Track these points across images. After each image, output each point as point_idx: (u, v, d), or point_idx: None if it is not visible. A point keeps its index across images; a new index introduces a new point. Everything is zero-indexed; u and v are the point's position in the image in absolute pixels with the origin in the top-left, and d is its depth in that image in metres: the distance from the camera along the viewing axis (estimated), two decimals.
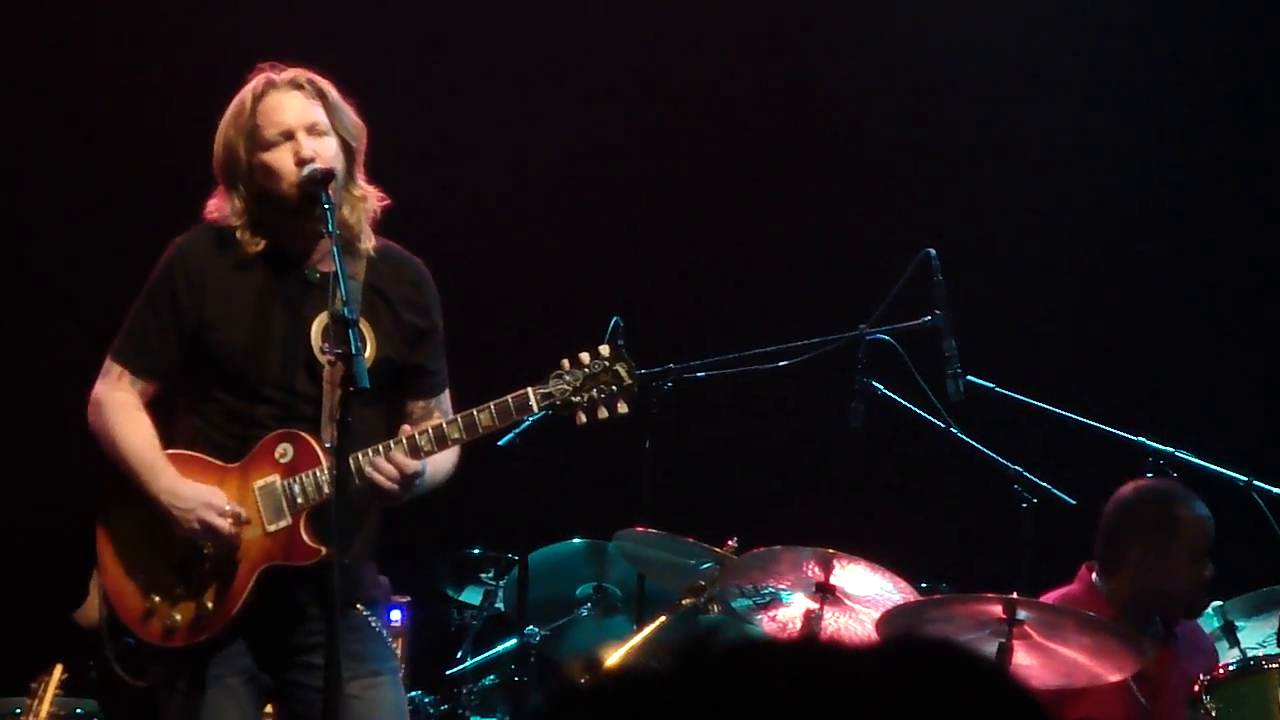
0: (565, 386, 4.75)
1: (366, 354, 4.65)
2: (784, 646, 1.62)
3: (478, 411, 4.71)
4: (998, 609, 5.44)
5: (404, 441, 4.67)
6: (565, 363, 4.78)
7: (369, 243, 4.83)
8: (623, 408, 4.80)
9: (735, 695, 1.52)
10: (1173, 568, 5.97)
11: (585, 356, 4.79)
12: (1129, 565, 5.96)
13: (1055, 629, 5.47)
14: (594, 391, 4.76)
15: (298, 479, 4.68)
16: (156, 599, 4.70)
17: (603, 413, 4.77)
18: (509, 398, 4.72)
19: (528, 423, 6.74)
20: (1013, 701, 1.60)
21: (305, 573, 4.69)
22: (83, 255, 8.04)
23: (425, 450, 4.68)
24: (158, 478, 4.69)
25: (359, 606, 4.80)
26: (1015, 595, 5.48)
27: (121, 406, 4.76)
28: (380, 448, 4.65)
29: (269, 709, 5.03)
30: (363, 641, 4.78)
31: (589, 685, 1.58)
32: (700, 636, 1.57)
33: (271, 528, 4.69)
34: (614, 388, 4.78)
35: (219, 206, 4.79)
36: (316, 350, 4.72)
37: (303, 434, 4.70)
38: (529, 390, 4.73)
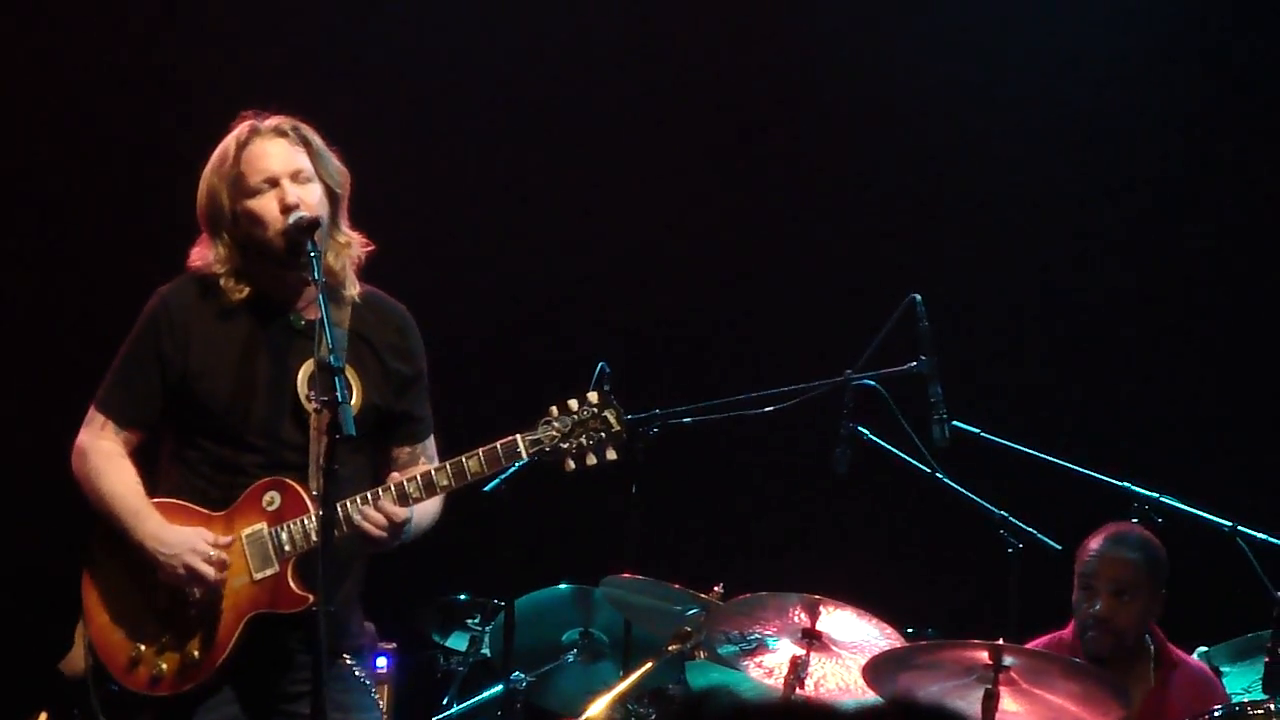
0: (554, 433, 4.75)
1: (353, 401, 4.64)
2: (776, 711, 1.63)
3: (466, 459, 4.70)
4: (984, 655, 5.44)
5: (392, 489, 4.67)
6: (554, 409, 4.78)
7: (354, 289, 4.83)
8: (611, 454, 4.80)
9: None
10: (1075, 602, 6.03)
11: (574, 403, 4.79)
12: None
13: (1041, 675, 5.47)
14: (583, 438, 4.76)
15: (285, 527, 4.68)
16: (142, 648, 4.69)
17: (591, 459, 4.78)
18: (498, 444, 4.72)
19: (514, 468, 6.76)
20: None
21: (292, 620, 4.68)
22: (67, 301, 8.04)
23: (414, 498, 4.68)
24: (143, 524, 4.68)
25: (344, 656, 4.80)
26: (1001, 641, 5.48)
27: (106, 455, 4.76)
28: (369, 495, 4.65)
29: None
30: (346, 692, 4.77)
31: None
32: (693, 703, 1.58)
33: (259, 576, 4.69)
34: (602, 434, 4.78)
35: (202, 255, 4.79)
36: (303, 398, 4.71)
37: (290, 482, 4.70)
38: (518, 437, 4.73)
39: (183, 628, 4.68)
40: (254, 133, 4.75)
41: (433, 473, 4.70)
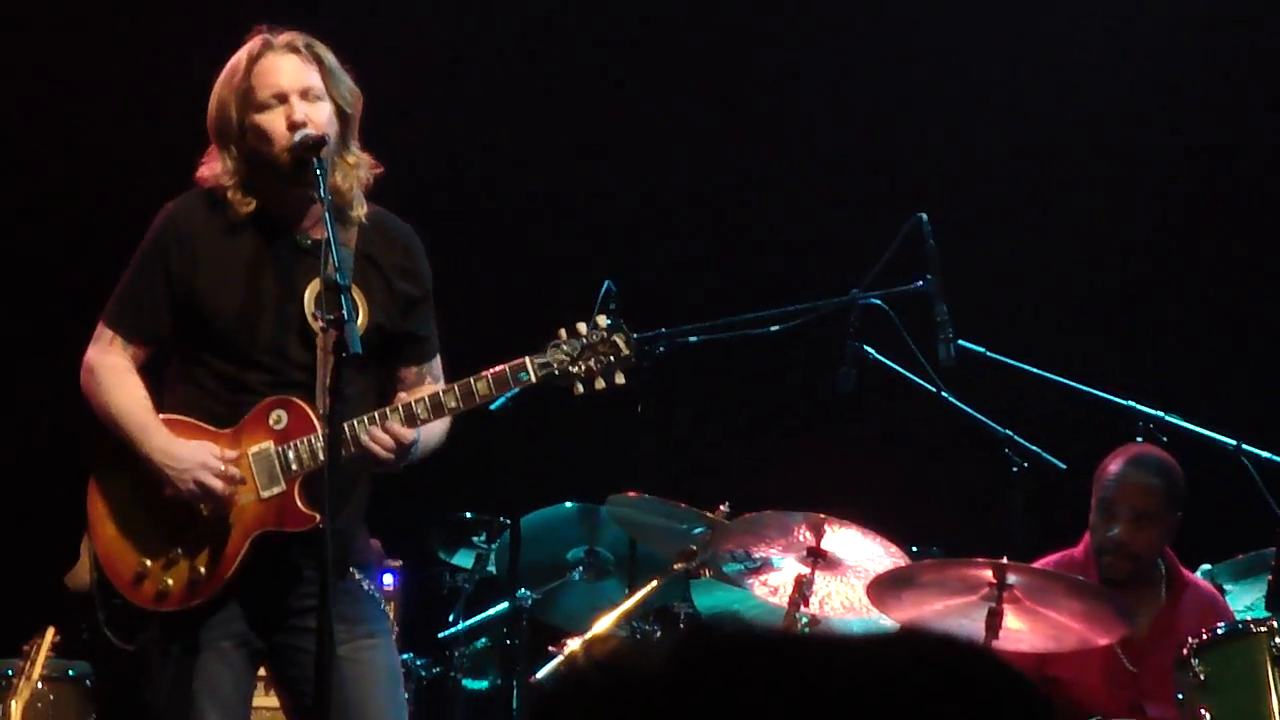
0: (563, 356, 4.74)
1: (359, 321, 4.63)
2: (784, 640, 1.63)
3: (474, 381, 4.70)
4: (988, 573, 5.46)
5: (400, 410, 4.67)
6: (562, 332, 4.77)
7: (360, 209, 4.80)
8: (620, 379, 4.80)
9: (736, 699, 1.53)
10: (1092, 524, 6.01)
11: (582, 327, 4.78)
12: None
13: (1045, 594, 5.49)
14: (591, 362, 4.75)
15: (292, 445, 4.68)
16: (148, 563, 4.70)
17: (600, 384, 4.77)
18: (506, 367, 4.71)
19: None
20: (1019, 695, 1.60)
21: (299, 538, 4.69)
22: (75, 215, 8.04)
23: (421, 418, 4.68)
24: (151, 438, 4.68)
25: (351, 570, 4.81)
26: (1005, 560, 5.50)
27: (113, 370, 4.76)
28: (376, 416, 4.65)
29: (261, 671, 5.04)
30: (356, 604, 4.79)
31: (588, 685, 1.58)
32: (697, 629, 1.59)
33: (266, 494, 4.69)
34: (611, 358, 4.77)
35: (210, 168, 4.78)
36: (309, 317, 4.71)
37: (297, 400, 4.70)
38: (527, 360, 4.73)
39: (189, 544, 4.69)
40: (266, 47, 4.72)
41: (441, 394, 4.70)
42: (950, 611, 5.56)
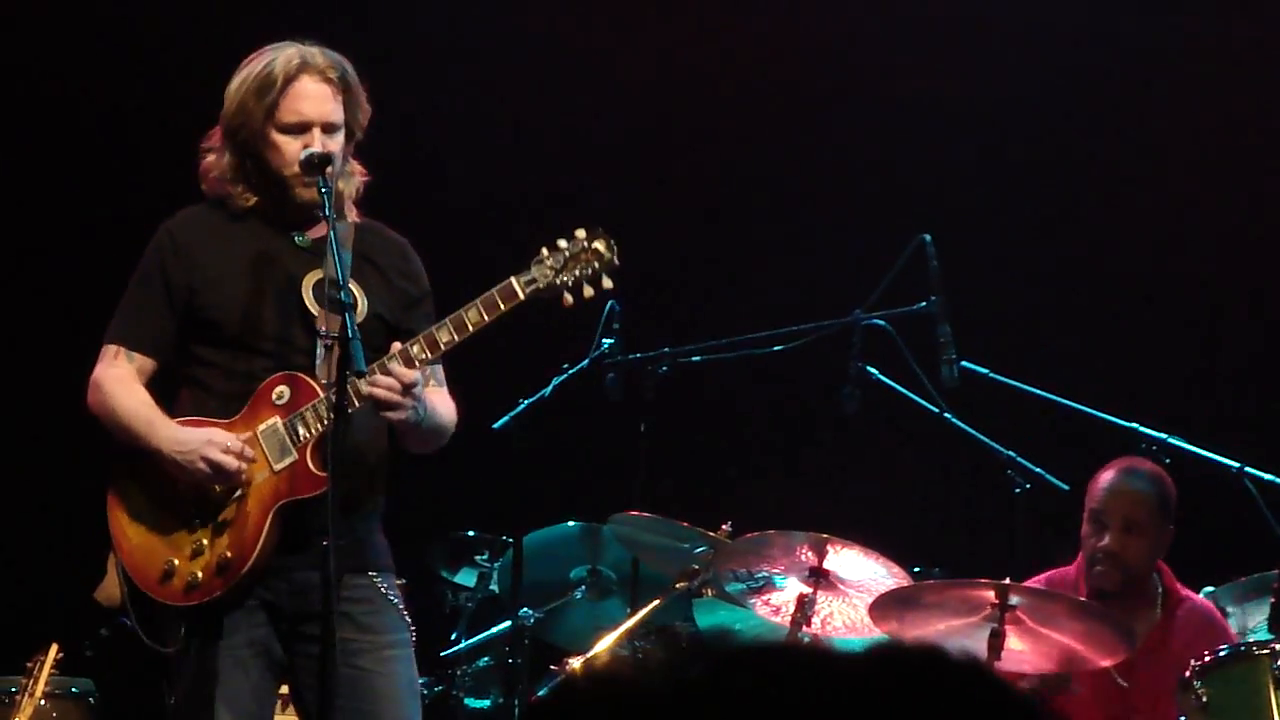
0: (548, 270, 4.79)
1: (358, 310, 4.70)
2: (776, 656, 1.64)
3: (465, 310, 4.73)
4: (990, 594, 5.46)
5: (397, 355, 4.69)
6: (543, 250, 4.82)
7: (351, 215, 4.90)
8: (607, 283, 4.86)
9: (732, 712, 1.53)
10: (1083, 536, 6.02)
11: (562, 242, 4.84)
12: None
13: (1047, 615, 5.49)
14: (576, 271, 4.81)
15: (299, 415, 4.70)
16: (175, 560, 4.69)
17: (588, 290, 4.82)
18: (494, 290, 4.75)
19: (524, 405, 6.78)
20: (1008, 708, 1.61)
21: (320, 515, 4.63)
22: (86, 240, 8.06)
23: (419, 359, 4.70)
24: (158, 431, 4.71)
25: (370, 574, 4.81)
26: (1008, 581, 5.50)
27: (118, 379, 4.79)
28: (374, 366, 4.67)
29: (284, 689, 5.05)
30: (375, 613, 4.79)
31: (581, 694, 1.59)
32: (691, 648, 1.60)
33: (279, 466, 4.71)
34: (595, 264, 4.83)
35: (217, 162, 4.84)
36: (309, 303, 4.75)
37: (296, 373, 4.73)
38: (512, 279, 4.77)
39: (212, 532, 4.70)
40: (303, 70, 4.77)
41: (434, 330, 4.73)
42: (952, 632, 5.56)
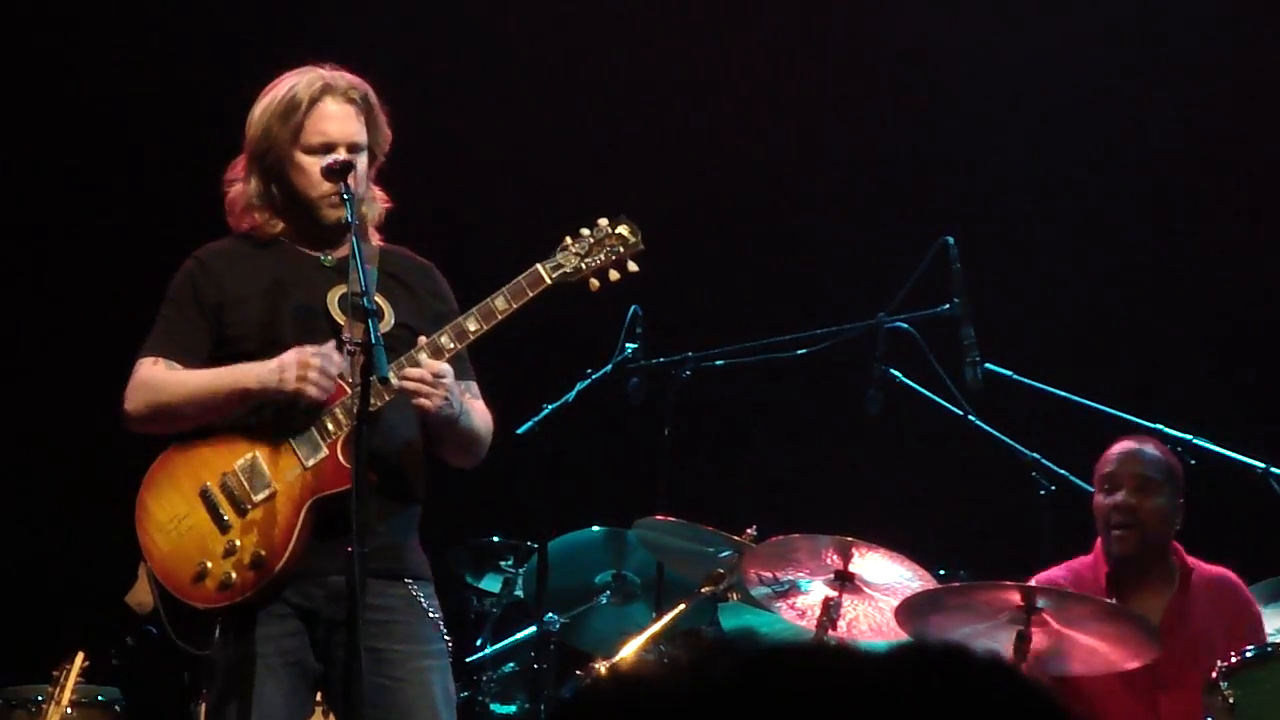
0: (573, 256, 4.81)
1: (385, 320, 4.72)
2: (800, 655, 1.63)
3: (492, 299, 4.75)
4: (1016, 596, 5.45)
5: (425, 347, 4.70)
6: (567, 238, 4.86)
7: (375, 239, 4.94)
8: (633, 266, 4.91)
9: (751, 712, 1.53)
10: (1097, 504, 6.05)
11: (585, 230, 4.88)
12: None
13: (1073, 617, 5.49)
14: (601, 255, 4.85)
15: (328, 411, 4.71)
16: (208, 562, 4.69)
17: (614, 275, 4.85)
18: (520, 278, 4.77)
19: (547, 410, 6.78)
20: (1032, 705, 1.61)
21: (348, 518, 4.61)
22: (119, 251, 8.08)
23: (447, 348, 4.71)
24: (231, 372, 4.69)
25: (407, 582, 4.81)
26: (1033, 582, 5.49)
27: (159, 373, 4.77)
28: (403, 360, 4.67)
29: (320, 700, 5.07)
30: (413, 624, 4.78)
31: (604, 693, 1.59)
32: (715, 647, 1.59)
33: (310, 462, 4.71)
34: (621, 249, 4.88)
35: (242, 193, 4.86)
36: (334, 314, 4.76)
37: None
38: (539, 266, 4.80)
39: (243, 531, 4.70)
40: (326, 91, 4.81)
41: (461, 320, 4.74)
42: (978, 635, 5.56)
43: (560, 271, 4.80)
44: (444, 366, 4.69)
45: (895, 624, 5.68)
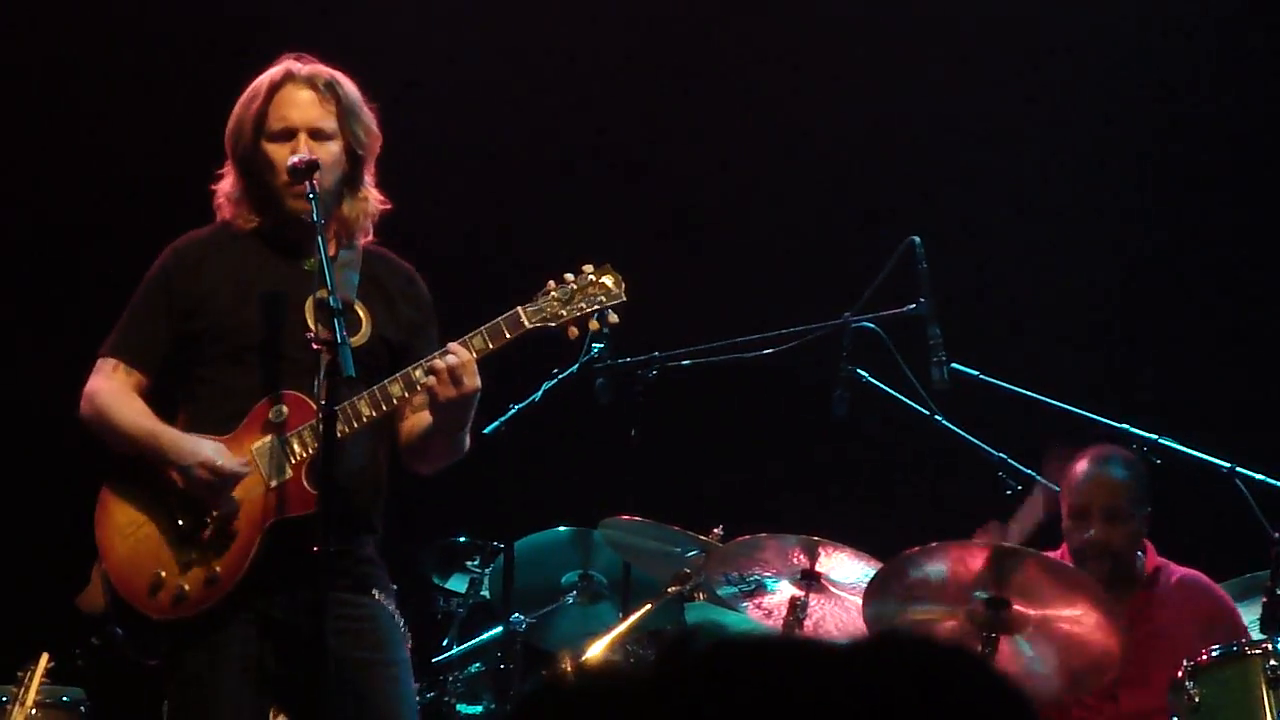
0: (554, 301, 4.80)
1: (362, 331, 4.75)
2: (762, 645, 1.63)
3: (469, 338, 4.73)
4: (981, 560, 5.45)
5: (399, 379, 4.72)
6: (550, 283, 4.85)
7: (363, 239, 4.93)
8: (613, 318, 4.90)
9: (714, 699, 1.53)
10: (1066, 531, 6.07)
11: (569, 276, 4.86)
12: None
13: (1046, 596, 5.45)
14: (583, 304, 4.83)
15: (296, 433, 4.71)
16: (163, 573, 4.68)
17: (594, 325, 4.84)
18: (500, 319, 4.77)
19: (514, 410, 6.77)
20: (997, 695, 1.61)
21: (311, 535, 4.60)
22: (82, 248, 8.05)
23: (422, 384, 4.70)
24: (159, 438, 4.72)
25: (375, 593, 4.83)
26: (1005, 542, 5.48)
27: (114, 391, 4.80)
28: (383, 385, 4.70)
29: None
30: (378, 631, 4.80)
31: (569, 685, 1.59)
32: (679, 638, 1.59)
33: (273, 483, 4.71)
34: (602, 298, 4.86)
35: (223, 187, 4.89)
36: (310, 323, 4.75)
37: (293, 392, 4.73)
38: (519, 309, 4.79)
39: (202, 547, 4.69)
40: (288, 78, 4.83)
41: (435, 358, 4.73)
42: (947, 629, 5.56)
43: (540, 317, 4.81)
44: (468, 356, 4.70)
45: (862, 623, 5.68)
